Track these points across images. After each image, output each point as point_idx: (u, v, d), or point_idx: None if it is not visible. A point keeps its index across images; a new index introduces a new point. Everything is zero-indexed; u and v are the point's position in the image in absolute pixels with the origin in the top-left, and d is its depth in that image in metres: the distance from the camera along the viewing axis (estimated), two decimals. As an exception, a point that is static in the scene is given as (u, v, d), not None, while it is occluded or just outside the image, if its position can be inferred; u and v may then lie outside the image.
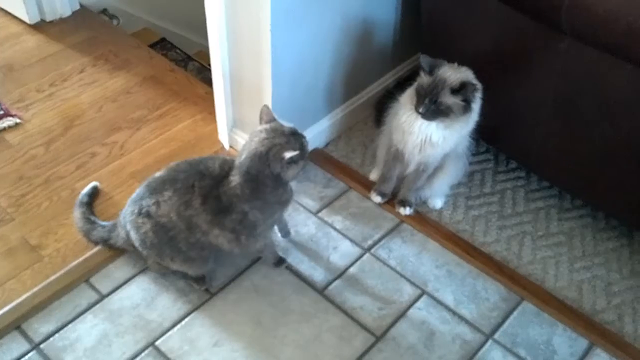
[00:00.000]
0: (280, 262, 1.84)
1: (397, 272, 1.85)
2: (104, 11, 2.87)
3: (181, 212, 1.61)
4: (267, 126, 1.59)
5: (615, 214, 1.96)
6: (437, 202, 2.01)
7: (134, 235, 1.69)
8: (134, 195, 1.71)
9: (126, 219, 1.70)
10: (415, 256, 1.89)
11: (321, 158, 2.14)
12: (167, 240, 1.64)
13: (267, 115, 1.61)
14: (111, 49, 2.55)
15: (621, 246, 1.93)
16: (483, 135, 2.02)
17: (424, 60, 1.73)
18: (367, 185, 2.06)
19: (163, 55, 2.71)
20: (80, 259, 1.82)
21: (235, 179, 1.59)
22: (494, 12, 1.80)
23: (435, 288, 1.82)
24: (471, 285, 1.83)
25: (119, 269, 1.81)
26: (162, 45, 2.88)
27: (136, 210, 1.66)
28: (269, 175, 1.57)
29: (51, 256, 1.83)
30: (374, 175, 2.08)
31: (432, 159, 1.85)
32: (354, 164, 2.13)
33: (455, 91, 1.69)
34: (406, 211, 1.97)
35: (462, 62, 1.76)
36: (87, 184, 1.97)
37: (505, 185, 2.08)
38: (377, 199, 2.01)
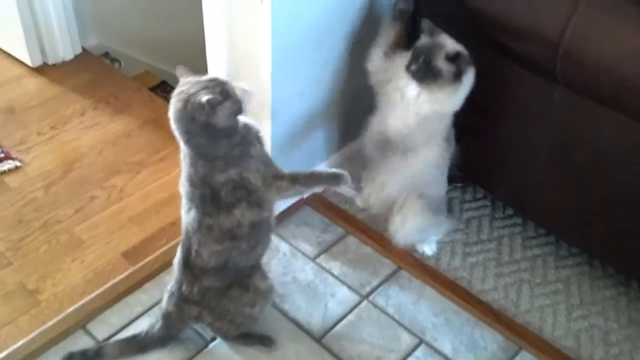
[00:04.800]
0: None
1: (395, 320, 1.84)
2: (106, 54, 2.90)
3: (218, 239, 1.57)
4: (182, 81, 1.49)
5: (612, 262, 1.96)
6: (426, 248, 2.00)
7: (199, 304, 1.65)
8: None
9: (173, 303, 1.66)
10: (414, 304, 1.88)
11: (319, 203, 2.15)
12: (233, 267, 1.61)
13: (184, 75, 1.51)
14: (112, 92, 2.57)
15: (618, 294, 1.93)
16: (479, 180, 2.03)
17: (426, 24, 1.76)
18: (366, 231, 2.06)
19: (163, 98, 2.73)
20: (78, 304, 1.81)
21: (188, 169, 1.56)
22: (489, 61, 1.83)
23: (434, 337, 1.81)
24: (469, 334, 1.82)
25: (115, 315, 1.80)
26: (162, 87, 2.90)
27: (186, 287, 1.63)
28: (202, 127, 1.45)
29: (49, 301, 1.82)
30: (360, 202, 2.10)
31: (403, 123, 1.81)
32: (353, 209, 2.13)
33: (450, 59, 1.72)
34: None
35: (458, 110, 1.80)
36: (86, 227, 1.96)
37: (503, 232, 2.09)
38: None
